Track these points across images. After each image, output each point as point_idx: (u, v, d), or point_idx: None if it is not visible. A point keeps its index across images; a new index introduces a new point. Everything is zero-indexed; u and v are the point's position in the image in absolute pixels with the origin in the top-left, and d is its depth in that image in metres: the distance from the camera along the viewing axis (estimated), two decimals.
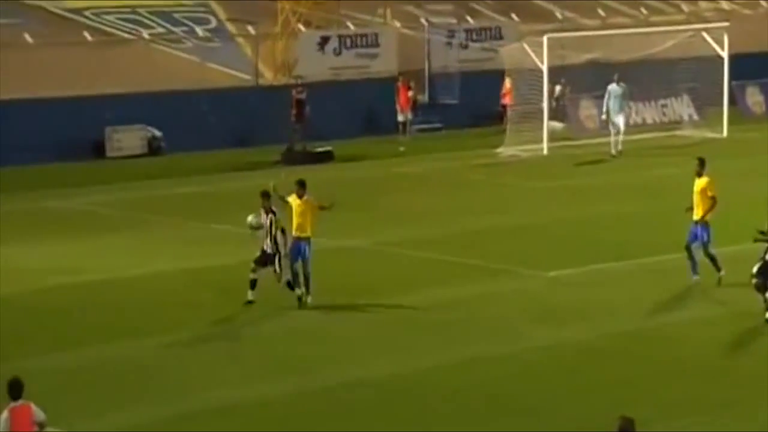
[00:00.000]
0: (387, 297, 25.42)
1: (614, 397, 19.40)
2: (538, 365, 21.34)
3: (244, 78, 42.92)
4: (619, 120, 39.97)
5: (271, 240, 24.58)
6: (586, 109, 43.42)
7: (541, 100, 40.18)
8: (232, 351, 22.70)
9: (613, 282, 25.89)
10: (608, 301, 24.82)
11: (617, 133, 39.82)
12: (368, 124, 43.03)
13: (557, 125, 41.57)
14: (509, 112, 41.27)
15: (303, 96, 40.41)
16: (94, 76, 39.98)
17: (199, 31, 43.79)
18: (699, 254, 25.17)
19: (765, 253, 22.80)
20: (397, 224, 31.45)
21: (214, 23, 44.48)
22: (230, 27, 44.36)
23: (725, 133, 42.57)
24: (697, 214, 25.02)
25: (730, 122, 42.94)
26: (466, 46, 45.79)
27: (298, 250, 24.60)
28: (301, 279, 24.69)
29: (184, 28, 43.70)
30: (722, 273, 25.00)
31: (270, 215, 24.65)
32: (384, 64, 44.33)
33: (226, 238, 29.99)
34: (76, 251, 29.12)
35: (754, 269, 22.76)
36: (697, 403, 19.42)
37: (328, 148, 40.03)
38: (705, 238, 24.95)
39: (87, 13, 42.94)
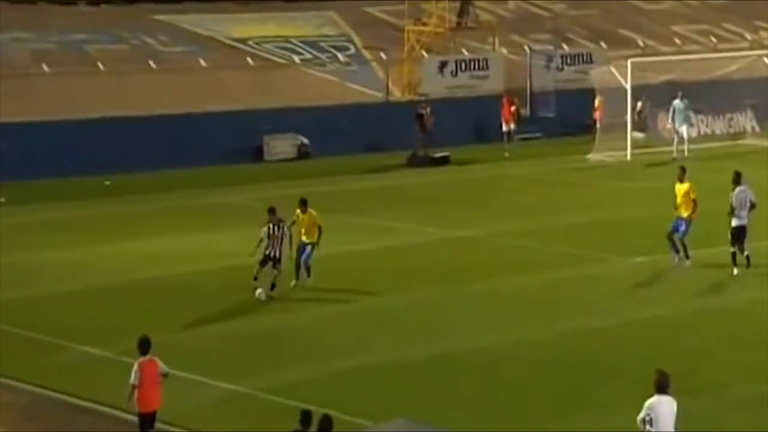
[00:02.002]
0: (497, 279, 25.43)
1: (692, 364, 19.37)
2: (627, 337, 21.34)
3: (377, 95, 43.06)
4: (682, 130, 39.85)
5: (276, 246, 24.36)
6: (663, 121, 43.01)
7: (625, 114, 39.94)
8: (371, 320, 22.84)
9: (684, 268, 25.69)
10: (683, 284, 24.69)
11: (681, 141, 39.64)
12: (478, 133, 42.96)
13: (639, 135, 41.25)
14: (598, 124, 41.08)
15: (425, 110, 40.54)
16: (255, 94, 40.32)
17: (341, 57, 44.03)
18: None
19: None
20: (504, 218, 31.40)
21: (352, 50, 44.70)
22: (366, 53, 44.53)
23: None
24: (684, 212, 25.44)
25: None
26: (561, 69, 45.58)
27: (303, 251, 24.69)
28: (301, 270, 24.70)
29: (328, 55, 43.94)
30: (688, 262, 25.40)
31: (275, 227, 24.42)
32: (492, 83, 44.27)
33: (363, 228, 30.18)
34: (240, 238, 29.36)
35: None
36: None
37: (446, 153, 40.01)
38: (683, 228, 25.45)
39: (250, 42, 43.35)
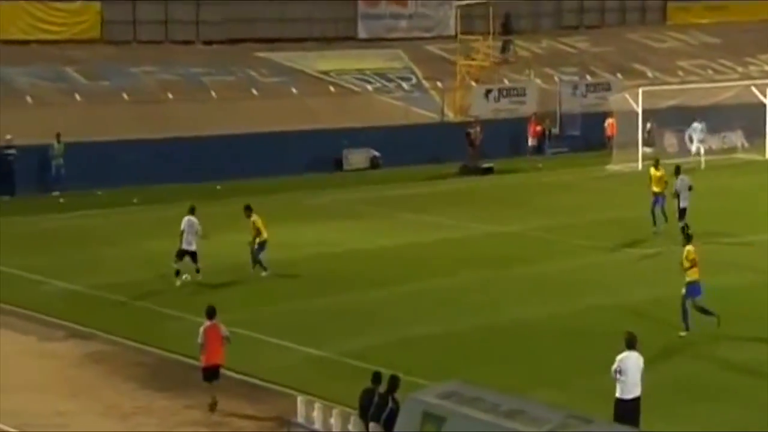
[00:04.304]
0: (532, 265, 25.26)
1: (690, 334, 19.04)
2: (638, 311, 21.02)
3: (434, 117, 42.87)
4: (700, 147, 39.82)
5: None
6: (669, 139, 42.47)
7: (637, 133, 39.45)
8: (429, 298, 22.71)
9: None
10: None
11: (697, 155, 39.39)
12: (517, 148, 42.62)
13: (648, 150, 40.68)
14: (614, 141, 40.68)
15: (473, 129, 40.29)
16: (336, 116, 40.22)
17: (405, 85, 43.89)
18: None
19: None
20: (538, 216, 31.13)
21: (414, 80, 44.51)
22: (425, 83, 44.35)
23: (767, 156, 41.22)
24: (658, 189, 28.04)
25: None
26: (585, 95, 45.09)
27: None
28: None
29: (395, 84, 43.80)
30: (659, 228, 27.39)
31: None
32: (528, 107, 43.90)
33: (422, 224, 30.06)
34: (324, 231, 29.47)
35: None
36: None
37: (491, 164, 39.72)
38: (662, 203, 27.89)
39: (332, 74, 43.33)
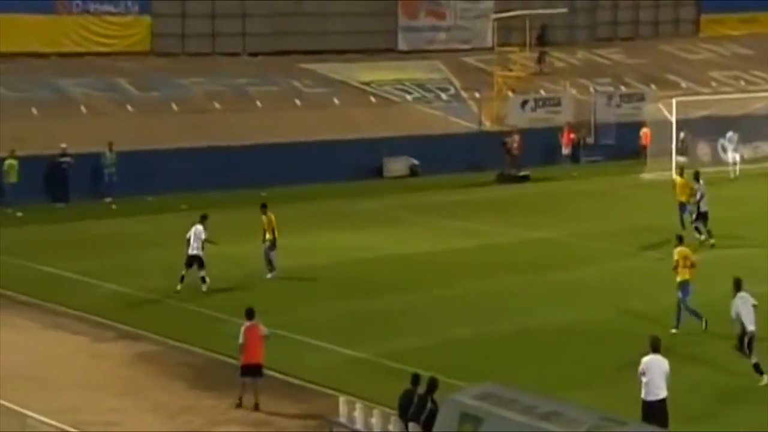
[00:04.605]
0: (566, 270, 25.19)
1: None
2: (670, 316, 20.87)
3: (472, 126, 42.77)
4: (734, 156, 39.52)
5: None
6: (701, 148, 42.03)
7: (671, 142, 39.17)
8: (465, 302, 22.68)
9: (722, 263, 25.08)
10: (717, 276, 24.01)
11: (733, 164, 39.05)
12: (553, 157, 42.46)
13: (681, 159, 40.38)
14: (648, 150, 40.43)
15: (509, 138, 40.20)
16: (376, 126, 40.22)
17: (443, 96, 43.86)
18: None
19: None
20: (573, 223, 31.05)
21: (453, 91, 44.47)
22: (463, 93, 44.27)
23: None
24: (683, 197, 28.39)
25: None
26: (619, 106, 44.81)
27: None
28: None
29: (434, 94, 43.82)
30: (702, 237, 27.35)
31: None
32: (564, 117, 43.69)
33: (460, 230, 30.05)
34: (365, 237, 29.52)
35: None
36: None
37: (527, 172, 39.60)
38: (688, 210, 28.28)
39: (373, 85, 43.37)
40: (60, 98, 38.08)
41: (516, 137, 40.12)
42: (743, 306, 17.23)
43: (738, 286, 17.77)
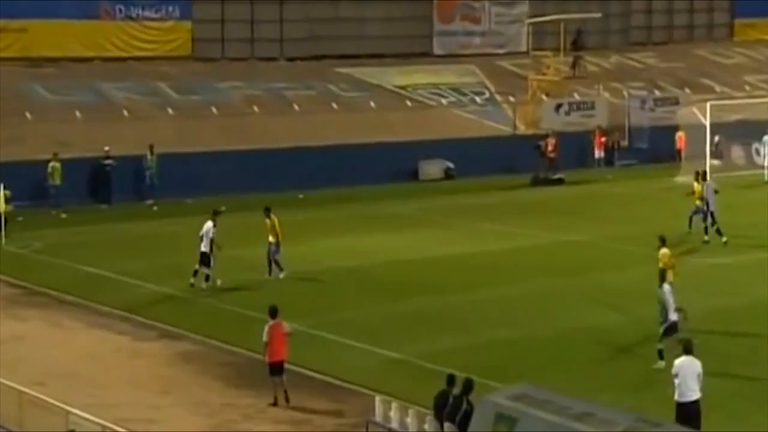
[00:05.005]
0: (600, 273, 25.08)
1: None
2: (705, 320, 20.60)
3: (506, 130, 42.68)
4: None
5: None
6: (736, 152, 41.69)
7: (705, 146, 38.84)
8: (499, 304, 22.61)
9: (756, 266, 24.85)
10: (751, 279, 23.83)
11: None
12: (587, 160, 42.25)
13: (715, 162, 40.01)
14: (683, 154, 40.13)
15: (543, 142, 40.07)
16: (412, 129, 40.26)
17: (478, 99, 43.80)
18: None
19: None
20: (606, 226, 30.86)
21: (487, 95, 44.38)
22: (498, 97, 44.19)
23: None
24: (698, 202, 28.51)
25: None
26: (653, 110, 44.54)
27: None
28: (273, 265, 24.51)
29: (468, 98, 43.75)
30: (724, 239, 27.45)
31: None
32: (597, 121, 43.43)
33: (495, 233, 29.96)
34: (401, 239, 29.54)
35: None
36: None
37: (561, 176, 39.45)
38: (706, 208, 28.22)
39: (408, 89, 43.36)
40: (103, 102, 38.45)
41: (551, 140, 39.99)
42: (669, 294, 18.66)
43: (662, 277, 19.76)
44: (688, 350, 14.92)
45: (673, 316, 18.33)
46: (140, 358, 19.75)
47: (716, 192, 28.56)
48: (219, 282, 24.11)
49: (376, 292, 23.73)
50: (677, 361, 14.80)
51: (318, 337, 18.30)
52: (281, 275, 24.49)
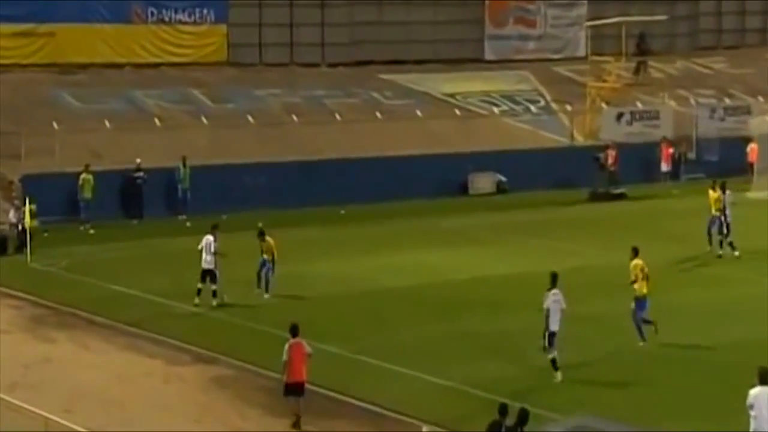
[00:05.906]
0: (663, 294, 24.42)
1: None
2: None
3: (563, 141, 42.64)
4: None
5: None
6: None
7: None
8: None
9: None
10: None
11: None
12: (651, 173, 42.03)
13: None
14: (756, 166, 39.82)
15: (602, 154, 39.94)
16: (461, 140, 40.33)
17: (533, 108, 43.81)
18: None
19: None
20: (672, 244, 30.57)
21: (542, 103, 44.41)
22: (554, 105, 44.18)
23: None
24: (714, 212, 29.63)
25: None
26: (723, 119, 44.33)
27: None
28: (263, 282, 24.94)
29: (522, 107, 43.79)
30: (737, 253, 28.80)
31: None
32: (662, 131, 43.26)
33: (551, 250, 29.83)
34: (449, 257, 29.51)
35: None
36: None
37: (623, 190, 39.29)
38: (717, 224, 29.52)
39: (457, 96, 43.52)
40: (133, 110, 38.90)
41: (611, 152, 39.86)
42: (554, 304, 19.35)
43: (554, 281, 19.85)
44: (764, 380, 14.67)
45: (553, 326, 18.91)
46: (173, 383, 19.96)
47: (734, 204, 29.63)
48: (225, 297, 24.35)
49: (422, 313, 23.79)
50: (752, 392, 14.57)
51: (360, 362, 18.39)
52: (266, 296, 24.88)
